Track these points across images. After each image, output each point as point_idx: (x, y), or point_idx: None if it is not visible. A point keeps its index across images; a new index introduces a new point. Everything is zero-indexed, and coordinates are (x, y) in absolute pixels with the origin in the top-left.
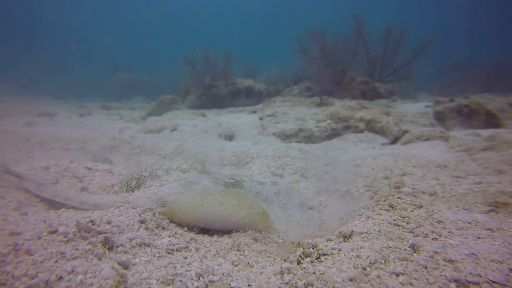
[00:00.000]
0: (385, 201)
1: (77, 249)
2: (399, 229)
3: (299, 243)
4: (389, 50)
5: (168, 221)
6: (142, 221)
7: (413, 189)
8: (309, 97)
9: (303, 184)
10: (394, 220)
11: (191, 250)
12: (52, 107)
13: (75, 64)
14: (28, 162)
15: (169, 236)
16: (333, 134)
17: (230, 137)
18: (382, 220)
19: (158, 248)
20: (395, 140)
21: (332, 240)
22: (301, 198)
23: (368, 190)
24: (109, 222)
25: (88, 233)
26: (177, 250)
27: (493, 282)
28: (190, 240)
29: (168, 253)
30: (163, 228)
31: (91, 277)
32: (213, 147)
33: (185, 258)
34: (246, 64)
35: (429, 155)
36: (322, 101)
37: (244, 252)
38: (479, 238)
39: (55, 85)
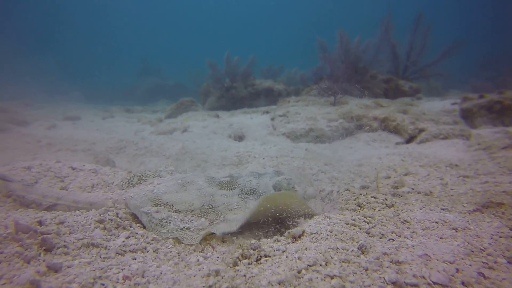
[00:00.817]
0: (355, 200)
1: (1, 252)
2: (354, 229)
3: (240, 245)
4: (415, 47)
5: (132, 221)
6: (100, 221)
7: (412, 188)
8: (328, 96)
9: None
10: (354, 220)
11: (148, 251)
12: (79, 111)
13: (108, 70)
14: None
15: (127, 237)
16: (345, 133)
17: (240, 138)
18: (340, 220)
19: (107, 249)
20: (410, 139)
21: (280, 241)
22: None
23: (347, 190)
24: (61, 222)
25: (26, 234)
26: (130, 251)
27: (435, 283)
28: (152, 240)
29: (119, 254)
30: (124, 228)
31: (5, 283)
32: (217, 147)
33: (134, 259)
34: (268, 66)
35: (444, 154)
36: (336, 100)
37: (207, 253)
38: (441, 238)
39: (88, 91)
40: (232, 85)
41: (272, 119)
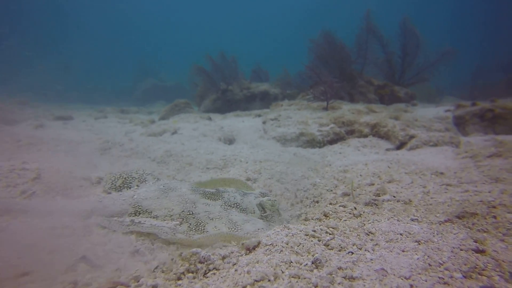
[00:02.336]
0: (319, 209)
1: None
2: (312, 241)
3: (185, 258)
4: (409, 52)
5: None
6: None
7: (393, 196)
8: (322, 101)
9: (276, 188)
10: (314, 231)
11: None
12: (73, 111)
13: (105, 71)
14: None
15: None
16: (335, 138)
17: (230, 141)
18: (300, 231)
19: None
20: (401, 146)
21: (233, 252)
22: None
23: (313, 201)
24: None
25: None
26: None
27: None
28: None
29: None
30: None
31: None
32: (204, 150)
33: None
34: (256, 67)
35: (432, 161)
36: (329, 105)
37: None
38: (403, 251)
39: (86, 92)
40: (228, 88)
41: (264, 122)
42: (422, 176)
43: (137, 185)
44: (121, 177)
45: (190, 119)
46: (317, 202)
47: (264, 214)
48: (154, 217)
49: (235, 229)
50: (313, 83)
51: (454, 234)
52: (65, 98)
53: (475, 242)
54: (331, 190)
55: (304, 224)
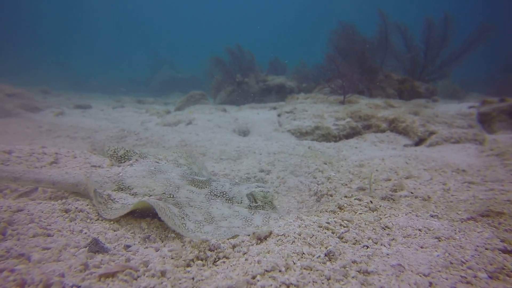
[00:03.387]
0: (334, 202)
1: None
2: (325, 233)
3: (196, 245)
4: (432, 46)
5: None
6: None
7: (411, 192)
8: (339, 95)
9: (290, 181)
10: (328, 223)
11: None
12: (92, 100)
13: (124, 61)
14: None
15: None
16: (352, 133)
17: (244, 133)
18: (313, 222)
19: None
20: (420, 142)
21: (244, 241)
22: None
23: (327, 194)
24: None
25: None
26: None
27: None
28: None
29: None
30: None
31: None
32: (218, 141)
33: None
34: (274, 60)
35: (453, 158)
36: (346, 99)
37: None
38: (422, 247)
39: (106, 81)
40: (244, 80)
41: (279, 115)
42: (442, 173)
43: (136, 160)
44: (123, 148)
45: (205, 110)
46: (331, 196)
47: (254, 205)
48: (133, 194)
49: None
50: (331, 76)
51: (478, 232)
52: (86, 88)
53: (502, 241)
54: (346, 184)
55: (317, 216)
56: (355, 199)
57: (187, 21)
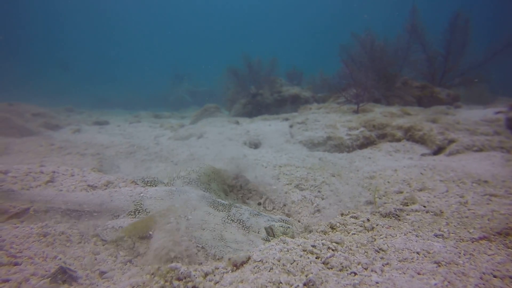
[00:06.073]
0: (320, 221)
1: None
2: (309, 258)
3: (162, 274)
4: (453, 50)
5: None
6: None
7: (423, 206)
8: (354, 104)
9: (294, 195)
10: (314, 246)
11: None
12: (110, 117)
13: (144, 78)
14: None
15: None
16: (365, 143)
17: (255, 145)
18: (297, 246)
19: None
20: (438, 151)
21: (218, 268)
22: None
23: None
24: None
25: None
26: None
27: None
28: None
29: None
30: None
31: None
32: (227, 155)
33: None
34: (291, 70)
35: (475, 168)
36: (360, 108)
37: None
38: (419, 273)
39: (126, 98)
40: (258, 92)
41: (291, 126)
42: (461, 184)
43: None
44: (152, 177)
45: (217, 123)
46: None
47: (271, 239)
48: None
49: (218, 246)
50: (345, 85)
51: (489, 255)
52: (108, 105)
53: None
54: (354, 198)
55: (304, 238)
56: (350, 217)
57: (204, 34)
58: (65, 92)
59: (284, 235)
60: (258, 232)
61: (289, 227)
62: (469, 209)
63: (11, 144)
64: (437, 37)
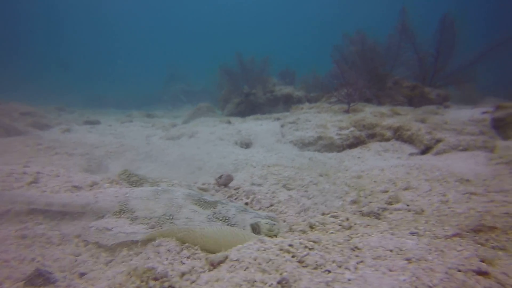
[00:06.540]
0: (304, 221)
1: None
2: (285, 257)
3: (139, 274)
4: (443, 50)
5: None
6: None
7: (407, 205)
8: (346, 104)
9: (281, 195)
10: (291, 245)
11: None
12: (102, 116)
13: (138, 77)
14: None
15: None
16: (355, 142)
17: (247, 145)
18: (274, 245)
19: None
20: (426, 150)
21: (194, 268)
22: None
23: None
24: None
25: None
26: None
27: None
28: None
29: None
30: None
31: None
32: (217, 154)
33: None
34: (284, 70)
35: (459, 167)
36: (351, 107)
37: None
38: (390, 270)
39: (120, 97)
40: (251, 92)
41: (282, 126)
42: (444, 183)
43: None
44: (137, 175)
45: (210, 122)
46: (318, 210)
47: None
48: (133, 218)
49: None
50: (338, 85)
51: (458, 251)
52: (100, 103)
53: (482, 261)
54: (341, 197)
55: (283, 237)
56: (330, 216)
57: (198, 33)
58: (59, 91)
59: (270, 232)
60: (244, 229)
61: (275, 224)
62: (449, 207)
63: None
64: (429, 38)
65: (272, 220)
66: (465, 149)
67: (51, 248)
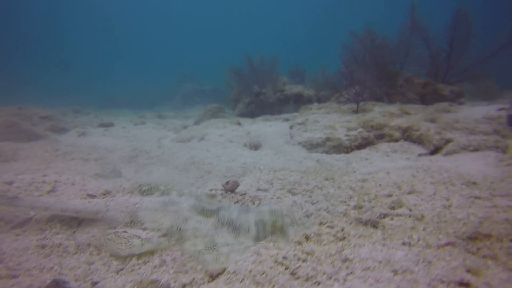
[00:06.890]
0: (303, 231)
1: None
2: (278, 269)
3: (142, 286)
4: (457, 45)
5: None
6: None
7: (410, 210)
8: (356, 103)
9: (285, 201)
10: (285, 257)
11: None
12: (116, 118)
13: (150, 78)
14: (40, 172)
15: None
16: (364, 143)
17: (256, 147)
18: (270, 257)
19: None
20: (435, 151)
21: (195, 279)
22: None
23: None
24: None
25: None
26: None
27: None
28: None
29: None
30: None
31: None
32: (226, 157)
33: None
34: (294, 68)
35: (468, 168)
36: (359, 107)
37: None
38: (377, 281)
39: (133, 97)
40: (261, 91)
41: (291, 127)
42: (450, 186)
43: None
44: (149, 184)
45: (219, 124)
46: (320, 216)
47: (262, 234)
48: (143, 229)
49: (210, 251)
50: (348, 84)
51: (447, 261)
52: (114, 104)
53: (468, 271)
54: (345, 202)
55: (278, 249)
56: (326, 226)
57: (207, 32)
58: (72, 92)
59: (274, 227)
60: (248, 231)
61: (276, 218)
62: (450, 213)
63: (19, 149)
64: (439, 33)
65: (273, 214)
66: (475, 150)
67: (68, 257)
